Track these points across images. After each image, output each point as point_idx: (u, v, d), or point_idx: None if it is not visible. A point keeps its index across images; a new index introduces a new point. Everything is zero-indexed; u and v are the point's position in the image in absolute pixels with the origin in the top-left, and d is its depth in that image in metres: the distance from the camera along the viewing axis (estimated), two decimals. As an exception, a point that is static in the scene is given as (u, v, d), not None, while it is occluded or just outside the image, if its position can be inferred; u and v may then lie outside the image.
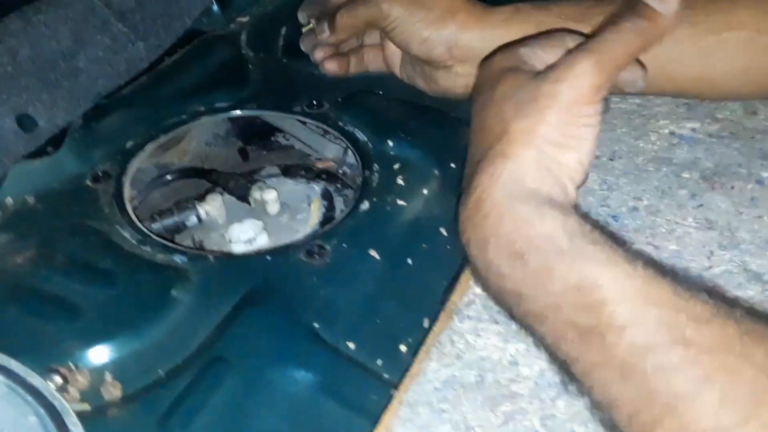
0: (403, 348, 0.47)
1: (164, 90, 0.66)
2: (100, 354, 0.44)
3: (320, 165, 0.68)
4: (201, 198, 0.62)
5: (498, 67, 0.43)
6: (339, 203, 0.63)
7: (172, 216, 0.60)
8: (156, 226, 0.59)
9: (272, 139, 0.72)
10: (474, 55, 0.52)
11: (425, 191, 0.56)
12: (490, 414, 0.37)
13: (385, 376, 0.45)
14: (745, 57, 0.48)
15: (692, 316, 0.32)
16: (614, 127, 0.55)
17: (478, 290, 0.42)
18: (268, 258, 0.51)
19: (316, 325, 0.47)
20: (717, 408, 0.30)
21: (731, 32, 0.48)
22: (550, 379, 0.39)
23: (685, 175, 0.51)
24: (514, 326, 0.39)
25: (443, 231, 0.54)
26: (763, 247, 0.45)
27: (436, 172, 0.58)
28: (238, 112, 0.66)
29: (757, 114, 0.56)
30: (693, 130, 0.55)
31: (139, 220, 0.55)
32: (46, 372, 0.42)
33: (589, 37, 0.40)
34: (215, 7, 0.75)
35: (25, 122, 0.54)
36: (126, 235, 0.52)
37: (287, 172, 0.67)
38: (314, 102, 0.65)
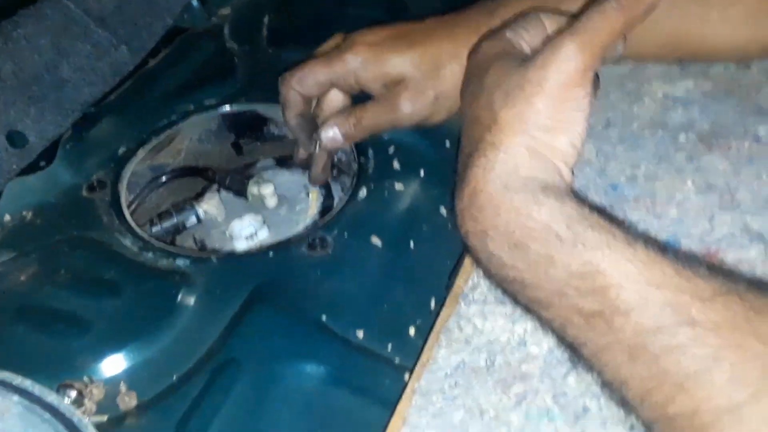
0: (411, 331, 0.48)
1: (152, 92, 0.65)
2: (112, 365, 0.44)
3: (315, 153, 0.68)
4: (199, 197, 0.62)
5: (485, 54, 0.42)
6: (337, 190, 0.63)
7: (171, 218, 0.60)
8: (156, 229, 0.59)
9: (265, 130, 0.72)
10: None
11: (422, 173, 0.56)
12: (503, 396, 0.38)
13: (396, 360, 0.46)
14: (745, 30, 0.48)
15: (696, 295, 0.32)
16: (607, 94, 0.55)
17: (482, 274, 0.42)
18: (271, 254, 0.51)
19: (323, 317, 0.47)
20: (728, 385, 0.30)
21: (733, 7, 0.48)
22: (560, 356, 0.39)
23: (682, 137, 0.51)
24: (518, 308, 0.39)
25: (443, 211, 0.54)
26: (763, 206, 0.45)
27: (432, 152, 0.58)
28: (228, 107, 0.66)
29: (749, 68, 0.55)
30: (687, 90, 0.54)
31: (139, 225, 0.55)
32: (60, 388, 0.42)
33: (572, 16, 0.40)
34: (195, 2, 0.74)
35: (15, 138, 0.54)
36: (127, 243, 0.52)
37: (282, 162, 0.67)
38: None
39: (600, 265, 0.33)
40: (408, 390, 0.39)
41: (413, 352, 0.44)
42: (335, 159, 0.65)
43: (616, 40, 0.38)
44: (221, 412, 0.42)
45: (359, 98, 0.54)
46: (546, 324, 0.36)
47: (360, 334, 0.47)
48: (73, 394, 0.42)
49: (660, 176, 0.48)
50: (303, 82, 0.53)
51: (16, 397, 0.39)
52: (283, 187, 0.63)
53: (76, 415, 0.39)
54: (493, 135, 0.37)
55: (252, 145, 0.72)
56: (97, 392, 0.43)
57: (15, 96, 0.55)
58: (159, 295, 0.48)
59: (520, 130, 0.37)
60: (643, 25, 0.48)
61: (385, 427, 0.37)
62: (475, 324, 0.41)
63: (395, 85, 0.52)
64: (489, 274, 0.38)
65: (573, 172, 0.38)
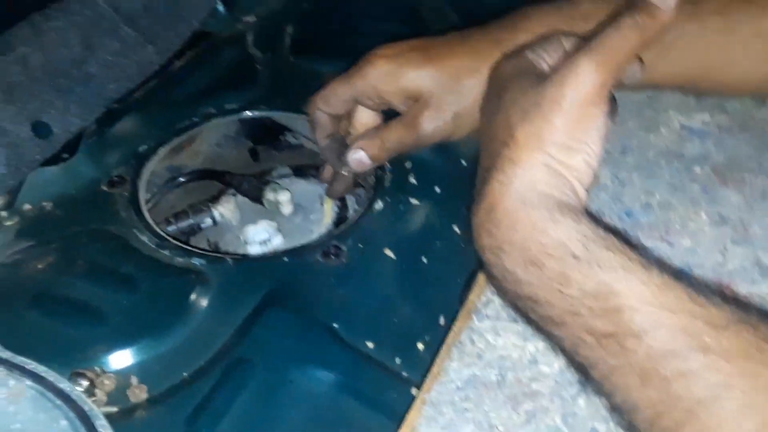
0: (420, 346, 0.48)
1: (174, 93, 0.66)
2: (125, 358, 0.44)
3: (331, 164, 0.68)
4: (215, 200, 0.63)
5: (504, 72, 0.43)
6: (351, 203, 0.64)
7: (187, 218, 0.61)
8: (171, 228, 0.60)
9: (282, 138, 0.73)
10: None
11: (438, 189, 0.57)
12: (513, 413, 0.38)
13: (404, 374, 0.46)
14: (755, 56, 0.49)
15: (709, 322, 0.32)
16: (625, 121, 0.56)
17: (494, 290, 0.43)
18: (286, 259, 0.52)
19: (335, 325, 0.47)
20: (737, 413, 0.30)
21: (759, 42, 0.49)
22: (570, 377, 0.39)
23: (697, 169, 0.52)
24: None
25: (456, 229, 0.54)
26: (776, 241, 0.46)
27: (448, 170, 0.58)
28: (247, 112, 0.66)
29: (765, 104, 0.56)
30: (703, 122, 0.55)
31: (155, 224, 0.55)
32: (73, 376, 0.42)
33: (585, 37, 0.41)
34: (221, 8, 0.75)
35: (39, 129, 0.55)
36: (144, 239, 0.53)
37: (299, 172, 0.67)
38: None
39: (614, 286, 0.34)
40: (418, 401, 0.39)
41: (421, 367, 0.45)
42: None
43: (632, 58, 0.38)
44: (230, 410, 0.42)
45: (391, 116, 0.54)
46: (557, 343, 0.37)
47: (370, 344, 0.47)
48: (85, 383, 0.42)
49: (674, 205, 0.49)
50: (327, 101, 0.54)
51: (29, 382, 0.39)
52: (299, 196, 0.64)
53: (87, 404, 0.39)
54: (511, 151, 0.38)
55: (268, 153, 0.73)
56: (108, 383, 0.43)
57: (42, 87, 0.56)
58: (174, 292, 0.48)
59: (538, 147, 0.38)
60: (666, 54, 0.49)
61: (391, 433, 0.38)
62: (488, 339, 0.41)
63: (415, 100, 0.52)
64: (502, 291, 0.38)
65: (588, 193, 0.39)
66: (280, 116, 0.68)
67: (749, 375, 0.31)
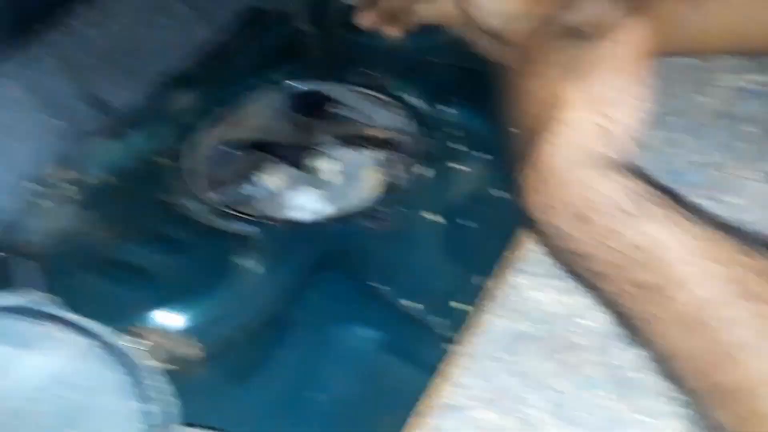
0: (460, 306, 0.49)
1: (225, 67, 0.68)
2: (181, 318, 0.46)
3: (379, 134, 0.69)
4: (264, 170, 0.65)
5: (546, 34, 0.43)
6: (398, 171, 0.64)
7: (237, 187, 0.62)
8: (221, 197, 0.62)
9: (330, 110, 0.74)
10: None
11: (482, 155, 0.57)
12: (552, 364, 0.38)
13: (444, 333, 0.47)
14: None
15: (756, 271, 0.32)
16: (674, 82, 0.55)
17: (534, 246, 0.43)
18: (333, 225, 0.53)
19: (379, 286, 0.48)
20: None
21: None
22: (610, 330, 0.39)
23: (748, 128, 0.50)
24: (571, 281, 0.39)
25: (500, 194, 0.54)
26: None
27: (492, 136, 0.58)
28: (296, 84, 0.67)
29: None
30: (755, 82, 0.54)
31: (207, 192, 0.57)
32: (132, 335, 0.44)
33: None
34: (272, -16, 0.76)
35: (97, 103, 0.57)
36: (197, 207, 0.55)
37: (346, 141, 0.68)
38: (371, 72, 0.65)
39: (662, 238, 0.34)
40: (457, 354, 0.40)
41: (460, 325, 0.46)
42: (399, 141, 0.67)
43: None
44: (282, 368, 0.44)
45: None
46: (600, 297, 0.37)
47: (413, 304, 0.48)
48: (144, 341, 0.44)
49: (724, 164, 0.48)
50: None
51: (93, 341, 0.42)
52: (346, 165, 0.65)
53: (147, 361, 0.41)
54: (560, 110, 0.38)
55: (317, 124, 0.74)
56: (166, 341, 0.45)
57: (99, 63, 0.58)
58: (227, 256, 0.50)
59: (587, 106, 0.38)
60: (709, 19, 0.48)
61: (435, 387, 0.39)
62: (528, 295, 0.42)
63: None
64: (550, 246, 0.39)
65: (637, 150, 0.39)
66: (329, 88, 0.69)
67: None
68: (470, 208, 0.54)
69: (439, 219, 0.53)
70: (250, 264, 0.50)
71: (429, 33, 0.68)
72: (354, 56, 0.68)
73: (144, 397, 0.39)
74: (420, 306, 0.47)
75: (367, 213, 0.53)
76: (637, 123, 0.39)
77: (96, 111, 0.56)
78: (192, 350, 0.45)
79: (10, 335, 0.41)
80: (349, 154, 0.67)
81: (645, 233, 0.34)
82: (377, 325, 0.46)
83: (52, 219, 0.54)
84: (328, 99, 0.72)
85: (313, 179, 0.63)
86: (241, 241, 0.51)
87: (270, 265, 0.50)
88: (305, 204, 0.60)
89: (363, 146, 0.67)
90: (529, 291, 0.41)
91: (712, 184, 0.47)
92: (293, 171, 0.65)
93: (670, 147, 0.50)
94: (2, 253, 0.50)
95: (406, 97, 0.63)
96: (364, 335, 0.45)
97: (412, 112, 0.62)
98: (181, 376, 0.44)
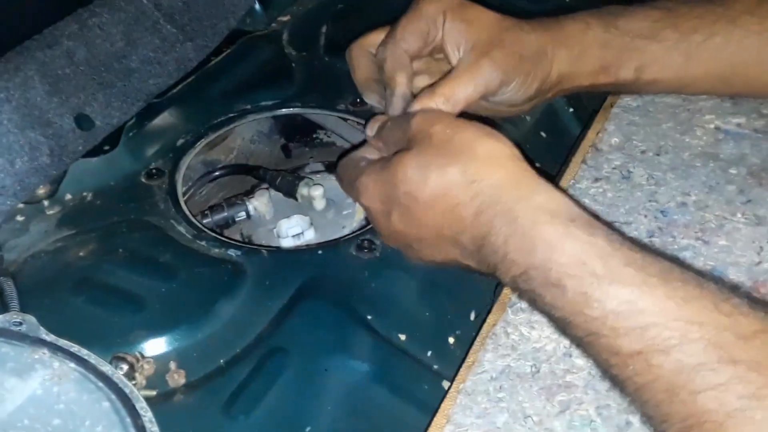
0: (451, 340, 0.48)
1: (211, 89, 0.67)
2: (164, 343, 0.45)
3: (364, 162, 0.69)
4: (249, 194, 0.64)
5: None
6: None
7: (222, 212, 0.62)
8: (207, 221, 0.61)
9: (314, 136, 0.74)
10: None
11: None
12: (547, 403, 0.38)
13: (435, 367, 0.47)
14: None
15: (736, 333, 0.32)
16: (659, 122, 0.56)
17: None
18: (320, 252, 0.52)
19: (368, 317, 0.48)
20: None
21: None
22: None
23: (732, 170, 0.51)
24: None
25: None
26: (813, 242, 0.46)
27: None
28: (282, 110, 0.67)
29: (802, 109, 0.56)
30: (738, 125, 0.55)
31: (192, 215, 0.56)
32: (114, 360, 0.43)
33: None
34: (258, 7, 0.76)
35: (82, 121, 0.56)
36: (181, 230, 0.54)
37: (331, 168, 0.68)
38: (357, 99, 0.65)
39: (638, 303, 0.34)
40: (453, 390, 0.39)
41: (452, 361, 0.45)
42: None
43: None
44: (265, 397, 0.43)
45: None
46: (590, 360, 0.37)
47: (402, 337, 0.48)
48: (125, 367, 0.43)
49: (710, 205, 0.49)
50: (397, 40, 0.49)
51: (72, 364, 0.41)
52: (332, 192, 0.65)
53: (128, 387, 0.40)
54: (501, 179, 0.39)
55: (301, 149, 0.74)
56: (147, 367, 0.44)
57: (86, 81, 0.57)
58: (211, 281, 0.49)
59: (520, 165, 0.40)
60: (701, 70, 0.50)
61: (429, 424, 0.38)
62: (522, 332, 0.42)
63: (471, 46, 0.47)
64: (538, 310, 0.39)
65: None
66: (313, 114, 0.69)
67: None
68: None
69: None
70: (236, 291, 0.49)
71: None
72: (340, 82, 0.68)
73: (125, 425, 0.38)
74: (410, 338, 0.47)
75: (355, 240, 0.53)
76: None
77: (81, 129, 0.55)
78: (175, 377, 0.44)
79: (-14, 357, 0.40)
80: (334, 181, 0.67)
81: (619, 298, 0.34)
82: (366, 357, 0.45)
83: (34, 238, 0.52)
84: (312, 124, 0.72)
85: (299, 205, 0.63)
86: (226, 267, 0.50)
87: (255, 293, 0.49)
88: (290, 229, 0.60)
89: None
90: (523, 328, 0.41)
91: (696, 224, 0.48)
92: (279, 196, 0.64)
93: (655, 185, 0.51)
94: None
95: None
96: (353, 367, 0.44)
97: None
98: (163, 404, 0.43)
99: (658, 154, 0.54)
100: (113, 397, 0.40)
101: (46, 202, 0.55)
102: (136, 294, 0.48)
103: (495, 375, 0.39)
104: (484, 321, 0.43)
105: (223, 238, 0.54)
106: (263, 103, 0.67)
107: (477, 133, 0.41)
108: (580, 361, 0.40)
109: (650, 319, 0.33)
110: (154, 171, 0.59)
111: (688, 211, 0.49)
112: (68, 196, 0.56)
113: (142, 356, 0.45)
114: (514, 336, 0.41)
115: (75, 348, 0.41)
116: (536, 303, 0.38)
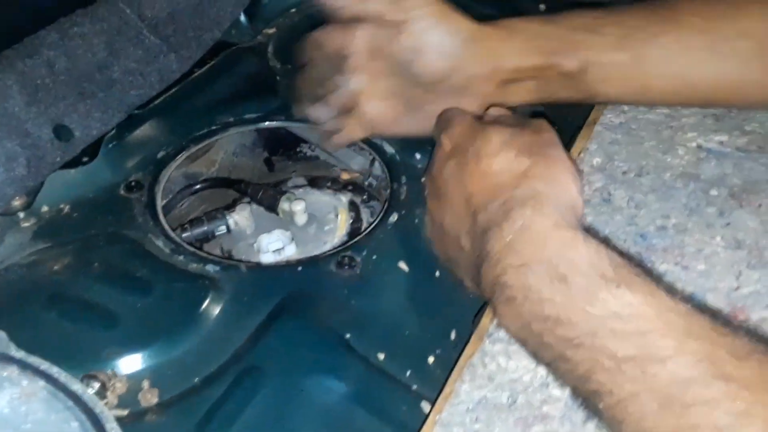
0: (431, 360, 0.48)
1: (194, 101, 0.67)
2: (136, 361, 0.45)
3: (346, 176, 0.69)
4: (230, 208, 0.63)
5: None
6: (366, 215, 0.64)
7: (202, 225, 0.61)
8: (186, 235, 0.60)
9: (298, 150, 0.73)
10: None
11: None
12: None
13: (414, 387, 0.46)
14: (757, 65, 0.49)
15: (731, 352, 0.32)
16: (642, 140, 0.56)
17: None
18: (300, 269, 0.52)
19: (347, 335, 0.47)
20: None
21: (742, 40, 0.49)
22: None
23: (713, 192, 0.51)
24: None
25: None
26: (792, 267, 0.46)
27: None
28: (265, 123, 0.67)
29: (785, 128, 0.56)
30: (721, 143, 0.55)
31: (171, 229, 0.56)
32: (85, 378, 0.42)
33: None
34: (243, 19, 0.76)
35: (61, 132, 0.56)
36: (159, 244, 0.53)
37: (314, 183, 0.68)
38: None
39: (642, 308, 0.34)
40: (429, 421, 0.39)
41: (431, 381, 0.45)
42: (367, 184, 0.66)
43: None
44: (241, 417, 0.42)
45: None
46: (568, 370, 0.36)
47: (381, 356, 0.47)
48: (97, 385, 0.43)
49: (690, 229, 0.49)
50: None
51: (42, 382, 0.40)
52: (313, 207, 0.64)
53: (99, 406, 0.39)
54: (532, 183, 0.41)
55: (284, 163, 0.74)
56: (119, 386, 0.43)
57: (66, 91, 0.56)
58: (187, 297, 0.49)
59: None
60: (651, 71, 0.50)
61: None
62: (499, 362, 0.41)
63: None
64: (516, 316, 0.38)
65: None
66: (296, 127, 0.69)
67: None
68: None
69: (409, 267, 0.52)
70: (212, 307, 0.48)
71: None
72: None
73: (95, 446, 0.37)
74: (389, 357, 0.47)
75: (335, 257, 0.53)
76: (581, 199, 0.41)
77: (60, 140, 0.55)
78: (148, 396, 0.43)
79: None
80: (318, 196, 0.67)
81: (624, 300, 0.34)
82: (344, 376, 0.44)
83: (8, 250, 0.51)
84: (296, 138, 0.72)
85: (280, 220, 0.63)
86: (204, 283, 0.50)
87: (232, 309, 0.49)
88: (271, 244, 0.59)
89: (332, 188, 0.66)
90: (500, 358, 0.41)
91: (676, 248, 0.48)
92: (261, 210, 0.64)
93: (635, 208, 0.51)
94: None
95: (376, 140, 0.63)
96: (330, 387, 0.44)
97: (383, 155, 0.62)
98: (135, 423, 0.42)
99: (639, 175, 0.54)
100: (83, 417, 0.39)
101: (21, 214, 0.54)
102: (111, 310, 0.47)
103: (471, 406, 0.39)
104: (465, 344, 0.43)
105: (202, 253, 0.53)
106: (247, 116, 0.66)
107: (560, 147, 0.45)
108: (557, 391, 0.40)
109: (651, 325, 0.34)
110: (133, 183, 0.58)
111: (668, 234, 0.49)
112: (45, 208, 0.55)
113: (115, 374, 0.44)
114: (491, 366, 0.41)
115: (45, 365, 0.41)
116: (519, 300, 0.38)
